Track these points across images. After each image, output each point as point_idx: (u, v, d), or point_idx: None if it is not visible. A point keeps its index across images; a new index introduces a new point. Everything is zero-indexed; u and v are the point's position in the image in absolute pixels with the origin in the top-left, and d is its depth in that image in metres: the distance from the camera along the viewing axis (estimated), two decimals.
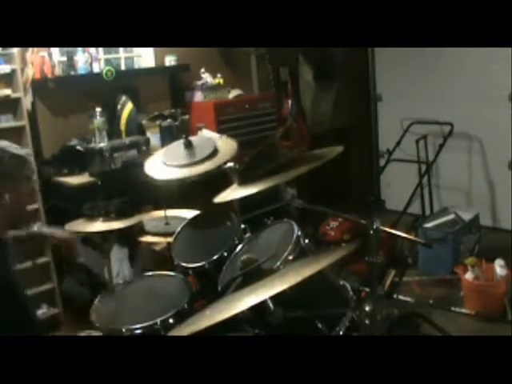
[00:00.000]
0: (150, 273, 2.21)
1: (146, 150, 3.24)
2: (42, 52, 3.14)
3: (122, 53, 3.74)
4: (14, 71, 3.04)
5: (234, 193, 1.86)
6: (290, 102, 4.29)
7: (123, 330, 1.79)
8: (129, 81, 3.60)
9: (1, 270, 1.60)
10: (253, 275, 1.48)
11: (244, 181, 1.82)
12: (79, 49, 3.25)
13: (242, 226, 2.15)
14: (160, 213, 2.64)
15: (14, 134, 3.05)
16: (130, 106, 3.45)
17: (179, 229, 2.31)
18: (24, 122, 3.08)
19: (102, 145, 3.12)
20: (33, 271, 3.04)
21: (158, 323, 1.78)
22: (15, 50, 3.03)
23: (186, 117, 3.69)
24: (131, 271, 3.07)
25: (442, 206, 4.28)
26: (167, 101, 3.92)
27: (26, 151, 1.77)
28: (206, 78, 3.84)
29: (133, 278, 2.72)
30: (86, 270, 3.10)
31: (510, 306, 2.99)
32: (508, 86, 3.94)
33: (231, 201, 1.95)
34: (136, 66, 3.81)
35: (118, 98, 3.46)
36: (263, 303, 1.39)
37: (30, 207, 2.91)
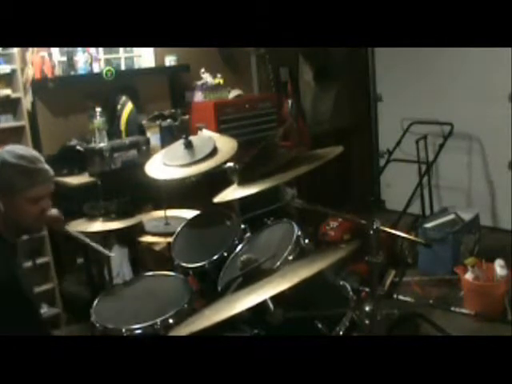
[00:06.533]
0: (150, 273, 2.21)
1: (145, 150, 3.24)
2: (42, 52, 3.14)
3: (122, 53, 3.74)
4: (14, 71, 3.03)
5: (233, 193, 1.86)
6: (289, 101, 4.28)
7: (123, 330, 1.79)
8: (129, 81, 3.60)
9: (9, 269, 1.60)
10: (253, 275, 1.48)
11: (244, 181, 1.82)
12: (79, 49, 3.25)
13: (242, 226, 2.15)
14: (160, 213, 2.64)
15: (13, 134, 3.05)
16: (130, 106, 3.45)
17: (179, 229, 2.31)
18: (24, 122, 3.07)
19: (102, 145, 3.12)
20: (33, 271, 3.04)
21: (158, 323, 1.78)
22: (15, 50, 3.03)
23: (186, 117, 3.69)
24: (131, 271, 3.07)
25: (441, 206, 4.27)
26: (167, 101, 3.91)
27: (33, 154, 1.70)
28: (206, 78, 3.84)
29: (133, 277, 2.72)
30: (86, 270, 3.10)
31: (510, 306, 2.98)
32: (508, 86, 3.94)
33: (231, 201, 1.95)
34: (136, 66, 3.81)
35: (118, 97, 3.46)
36: (263, 303, 1.39)
37: None
